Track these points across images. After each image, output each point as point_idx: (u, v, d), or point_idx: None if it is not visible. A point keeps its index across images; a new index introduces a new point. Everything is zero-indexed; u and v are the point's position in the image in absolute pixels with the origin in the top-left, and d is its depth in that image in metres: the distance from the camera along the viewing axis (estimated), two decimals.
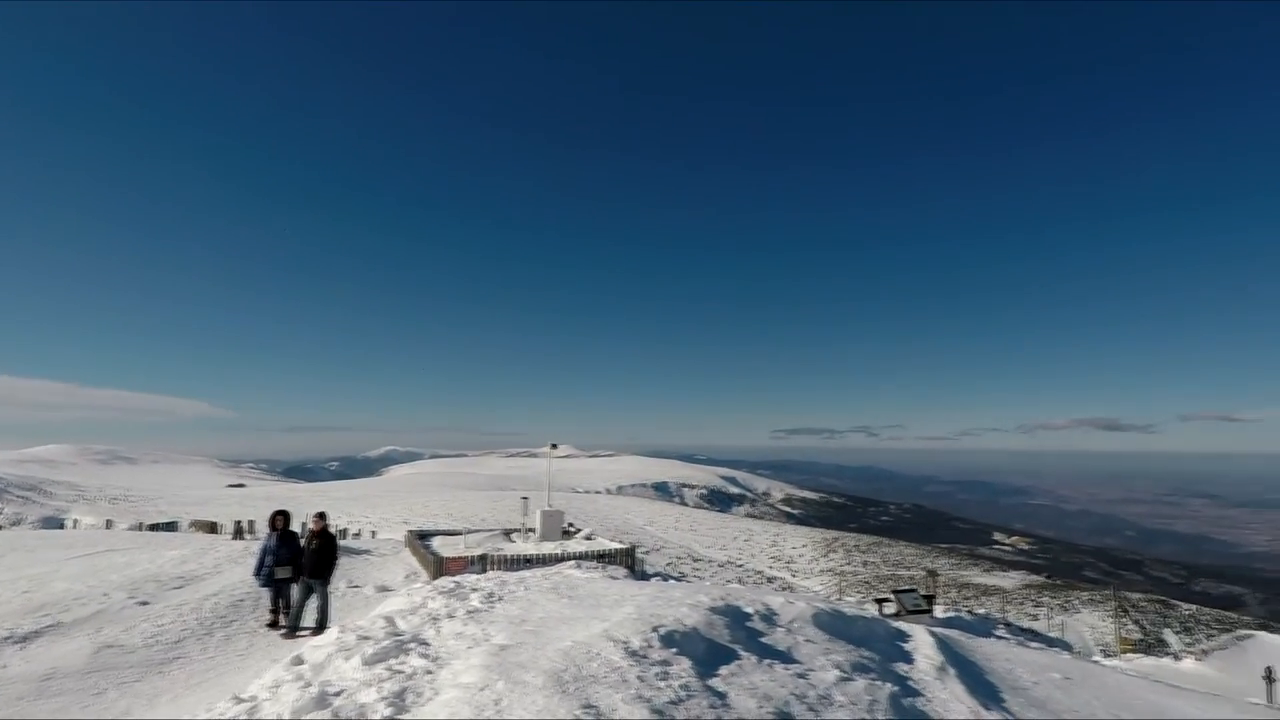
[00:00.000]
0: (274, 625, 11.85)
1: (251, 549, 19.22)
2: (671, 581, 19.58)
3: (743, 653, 7.50)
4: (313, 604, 11.62)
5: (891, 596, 22.88)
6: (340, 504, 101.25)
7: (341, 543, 27.67)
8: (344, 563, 20.86)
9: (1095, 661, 21.28)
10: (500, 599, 10.63)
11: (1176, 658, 29.22)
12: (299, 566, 11.52)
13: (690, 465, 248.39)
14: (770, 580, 76.68)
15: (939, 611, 23.15)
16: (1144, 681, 14.92)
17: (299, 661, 7.03)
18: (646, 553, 79.80)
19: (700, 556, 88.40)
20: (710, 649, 7.40)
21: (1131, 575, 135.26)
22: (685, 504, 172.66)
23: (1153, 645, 39.93)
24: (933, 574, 28.33)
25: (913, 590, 23.93)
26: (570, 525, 27.96)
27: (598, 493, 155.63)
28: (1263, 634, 33.97)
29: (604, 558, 20.50)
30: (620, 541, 24.54)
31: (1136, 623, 62.07)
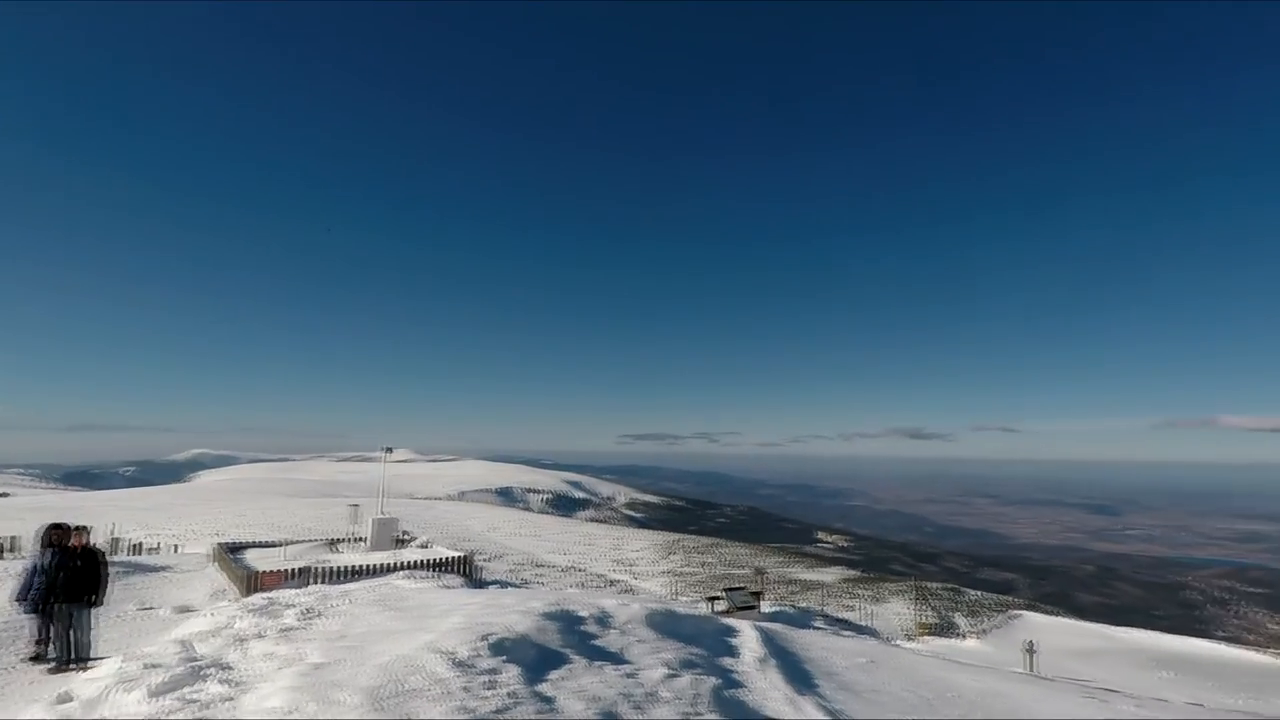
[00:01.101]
0: (38, 659, 10.22)
1: (12, 569, 16.58)
2: (509, 589, 19.27)
3: (574, 656, 7.52)
4: (89, 634, 10.17)
5: (722, 594, 23.98)
6: (137, 514, 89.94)
7: (135, 559, 24.55)
8: (137, 582, 18.54)
9: (897, 645, 23.58)
10: (320, 615, 9.94)
11: (962, 637, 33.07)
12: (74, 588, 10.02)
13: (536, 470, 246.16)
14: (612, 583, 77.67)
15: (765, 607, 24.60)
16: (934, 659, 16.70)
17: (66, 699, 6.13)
18: (487, 560, 77.99)
19: (543, 562, 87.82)
20: (541, 655, 7.35)
21: (930, 567, 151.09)
22: (530, 509, 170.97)
23: (945, 628, 44.92)
24: (761, 572, 30.18)
25: (742, 588, 25.22)
26: (405, 533, 26.72)
27: (437, 499, 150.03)
28: (1029, 613, 39.37)
29: (439, 566, 19.79)
30: (459, 549, 23.83)
31: (934, 608, 69.34)
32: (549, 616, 8.96)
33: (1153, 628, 39.07)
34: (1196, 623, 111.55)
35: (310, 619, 9.49)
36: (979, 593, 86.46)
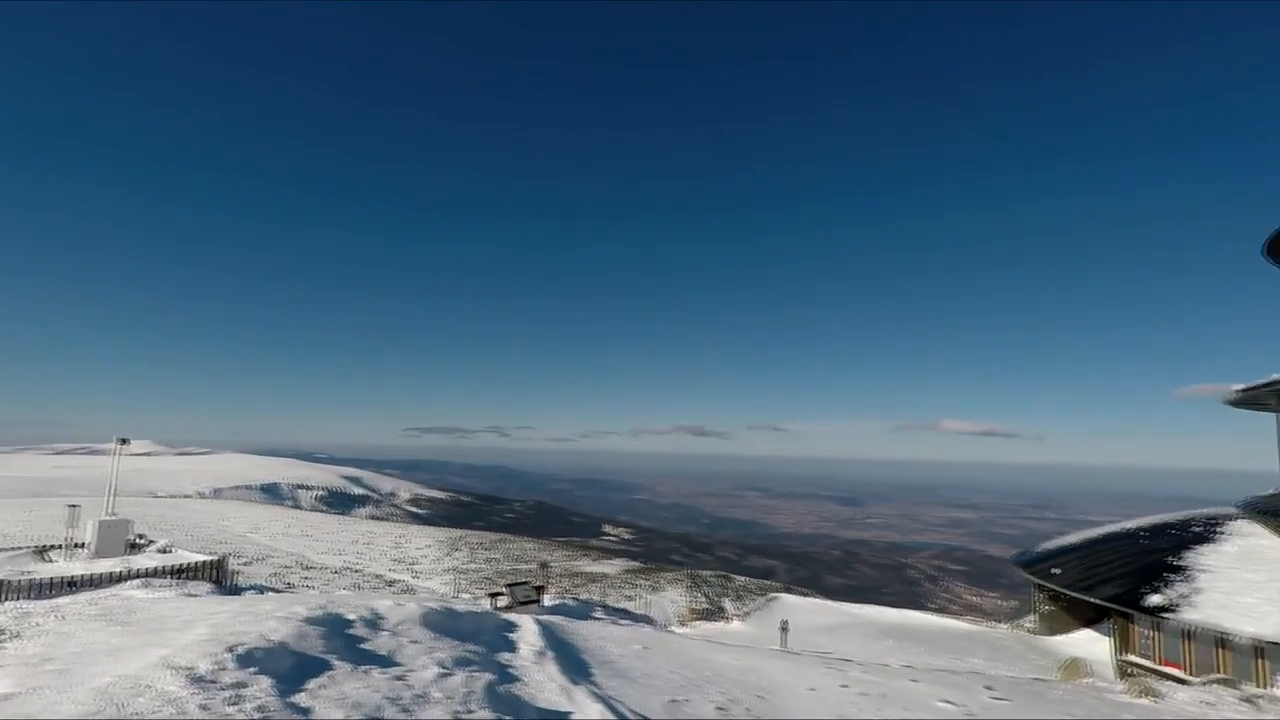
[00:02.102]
0: None
1: None
2: (269, 594, 17.57)
3: (337, 662, 7.04)
4: None
5: (505, 590, 23.80)
6: None
7: None
8: None
9: (670, 631, 25.00)
10: (16, 636, 8.33)
11: (728, 620, 35.84)
12: None
13: (308, 464, 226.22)
14: (390, 584, 73.72)
15: (547, 600, 24.81)
16: (702, 642, 17.94)
17: None
18: (246, 564, 70.43)
19: (313, 564, 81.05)
20: (300, 663, 6.79)
21: (705, 556, 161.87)
22: (300, 507, 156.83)
23: (714, 612, 48.42)
24: (545, 566, 30.44)
25: (525, 583, 25.21)
26: (140, 537, 23.23)
27: (187, 497, 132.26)
28: (785, 595, 43.67)
29: (182, 573, 17.49)
30: (211, 553, 21.21)
31: (705, 595, 74.40)
32: (313, 621, 8.30)
33: (882, 603, 45.19)
34: (915, 597, 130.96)
35: (2, 642, 7.92)
36: (745, 578, 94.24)
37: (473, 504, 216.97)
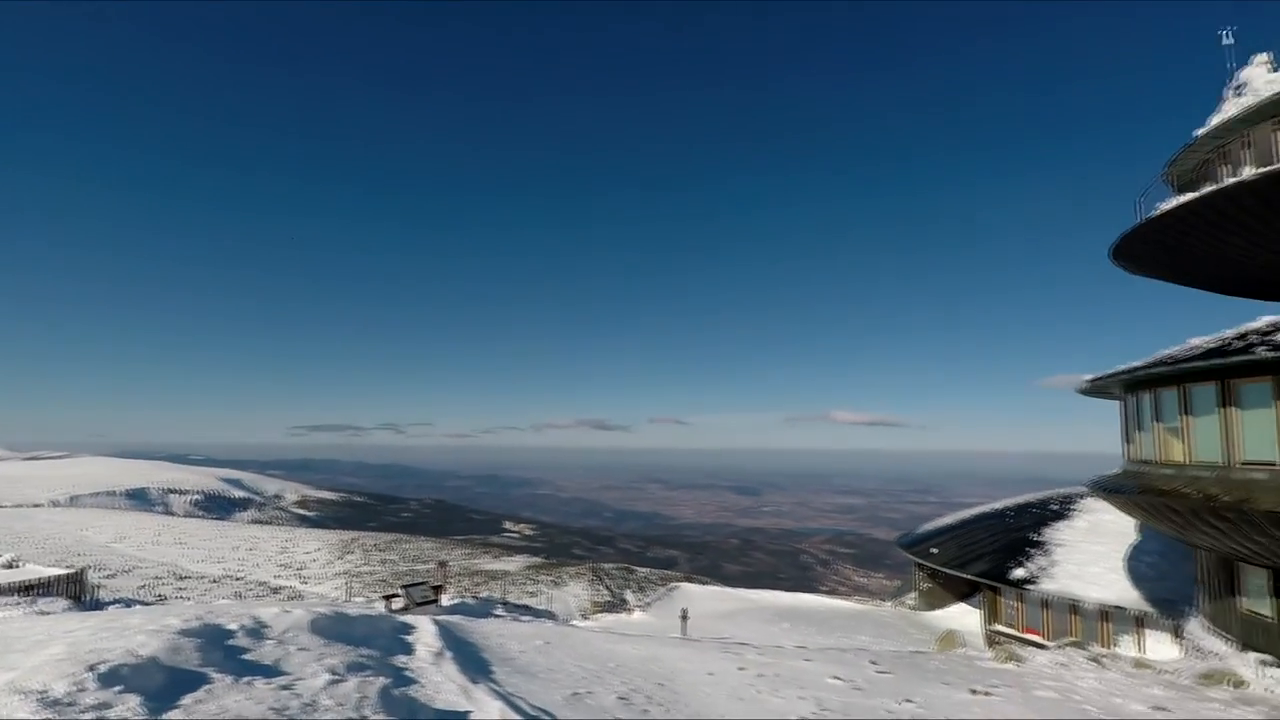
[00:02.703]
0: None
1: None
2: (137, 608, 16.26)
3: (216, 675, 6.60)
4: None
5: (401, 592, 23.06)
6: None
7: None
8: None
9: (572, 625, 24.98)
10: None
11: (630, 611, 36.24)
12: None
13: (181, 467, 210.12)
14: (276, 591, 69.85)
15: (446, 600, 24.23)
16: (605, 634, 18.04)
17: None
18: (110, 576, 64.89)
19: (188, 574, 75.67)
20: (173, 678, 6.32)
21: (607, 549, 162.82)
22: (173, 513, 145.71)
23: (617, 604, 48.84)
24: (444, 565, 29.63)
25: (422, 583, 24.51)
26: None
27: (37, 506, 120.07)
28: (685, 584, 44.58)
29: (32, 589, 15.89)
30: (68, 566, 19.33)
31: (607, 587, 74.90)
32: (188, 633, 7.74)
33: (778, 588, 46.96)
34: (809, 581, 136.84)
35: None
36: (647, 570, 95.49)
37: (366, 504, 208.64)
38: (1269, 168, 15.54)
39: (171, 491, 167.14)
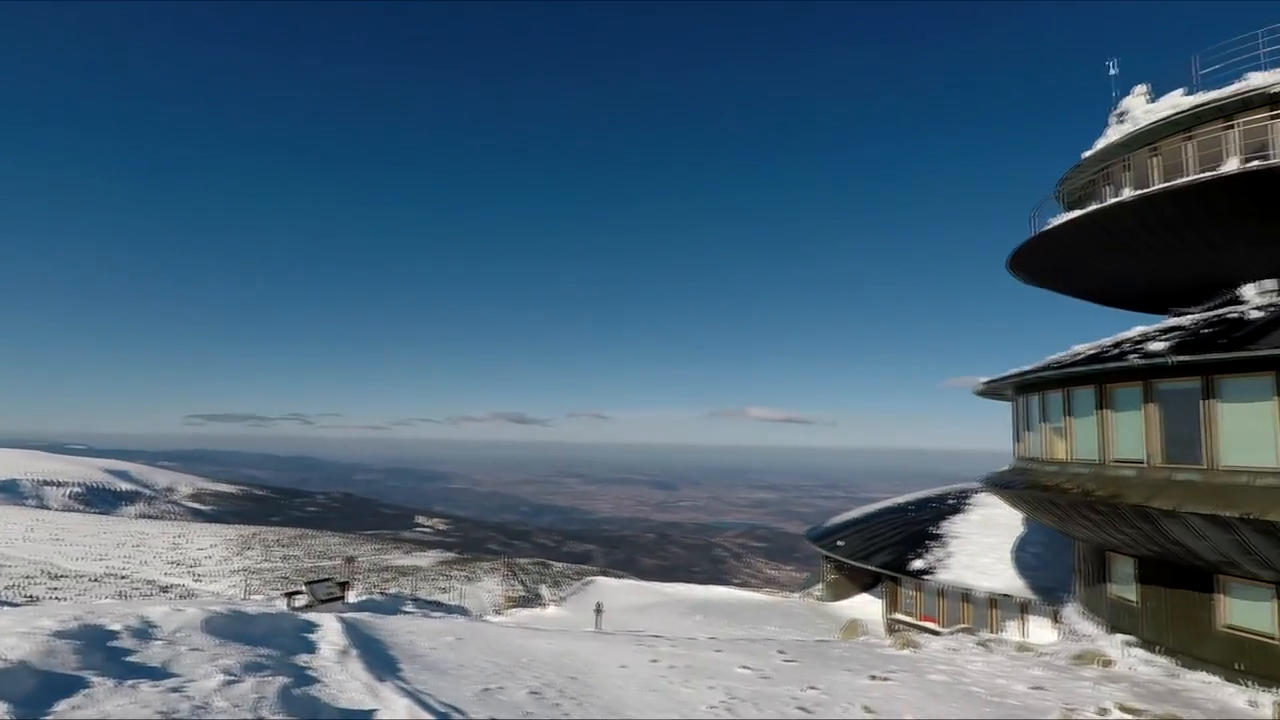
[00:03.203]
0: None
1: None
2: (4, 609, 14.97)
3: (97, 679, 6.18)
4: None
5: (304, 588, 22.17)
6: None
7: None
8: None
9: (485, 620, 24.67)
10: None
11: (545, 606, 36.08)
12: None
13: (59, 457, 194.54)
14: (165, 590, 65.80)
15: (352, 597, 23.45)
16: (518, 630, 17.90)
17: None
18: None
19: (64, 572, 70.30)
20: (47, 682, 5.88)
21: (523, 544, 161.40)
22: (48, 507, 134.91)
23: (531, 599, 48.48)
24: (351, 560, 28.61)
25: (327, 580, 23.64)
26: None
27: None
28: (601, 578, 44.75)
29: None
30: None
31: (522, 583, 74.23)
32: (65, 635, 7.21)
33: (692, 581, 47.75)
34: (722, 573, 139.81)
35: None
36: (563, 564, 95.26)
37: (269, 498, 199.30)
38: (1145, 190, 16.93)
39: (47, 483, 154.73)
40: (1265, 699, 12.06)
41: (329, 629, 12.08)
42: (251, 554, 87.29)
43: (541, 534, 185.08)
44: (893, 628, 25.53)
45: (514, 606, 39.67)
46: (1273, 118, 16.54)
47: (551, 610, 34.17)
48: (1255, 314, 13.92)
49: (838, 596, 31.91)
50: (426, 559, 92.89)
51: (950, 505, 29.12)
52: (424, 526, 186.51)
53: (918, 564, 25.21)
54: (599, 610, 27.63)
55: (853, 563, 29.15)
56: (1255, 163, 16.27)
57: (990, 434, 20.22)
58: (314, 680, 7.98)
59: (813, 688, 11.96)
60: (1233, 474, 12.46)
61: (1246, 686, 12.64)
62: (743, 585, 59.41)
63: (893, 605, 26.91)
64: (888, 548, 27.56)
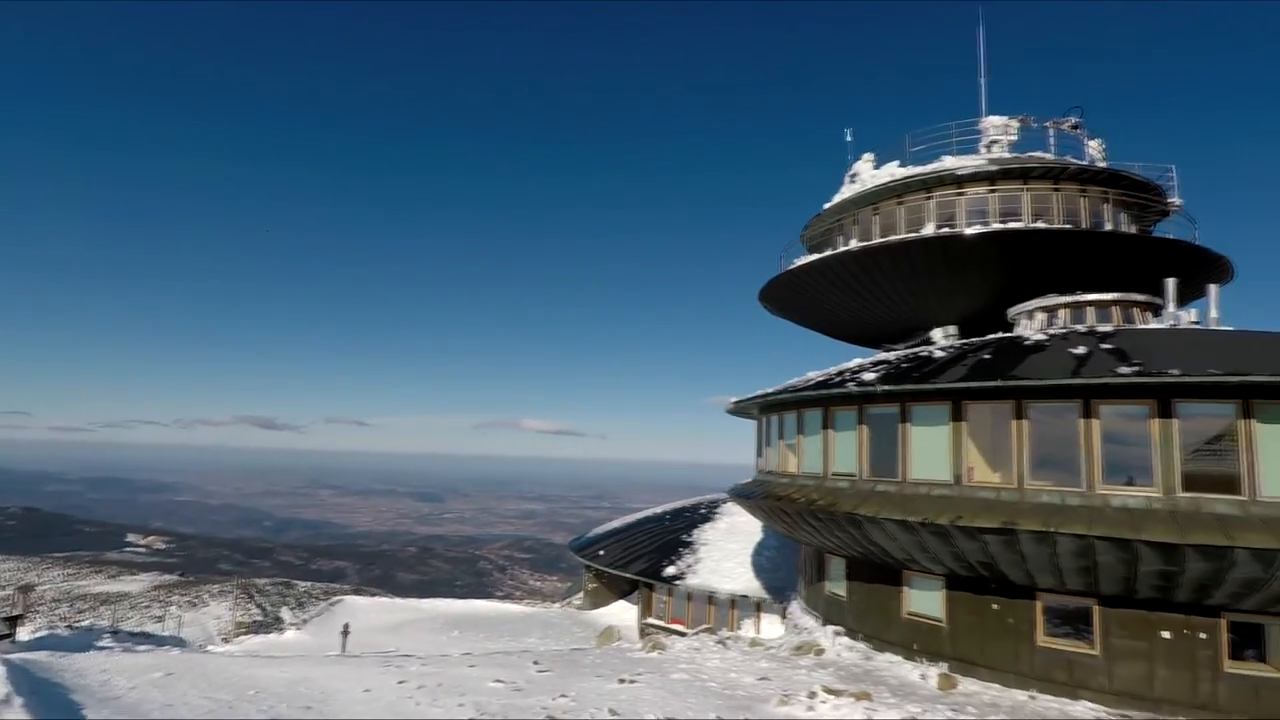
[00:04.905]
0: None
1: None
2: None
3: None
4: None
5: None
6: None
7: None
8: None
9: (207, 651, 21.76)
10: None
11: (283, 631, 32.73)
12: None
13: None
14: None
15: (27, 634, 19.39)
16: (247, 659, 16.05)
17: None
18: None
19: None
20: None
21: (263, 562, 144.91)
22: None
23: (270, 624, 43.56)
24: (28, 590, 23.33)
25: None
26: None
27: None
28: (351, 597, 41.65)
29: None
30: None
31: (260, 606, 66.50)
32: None
33: (452, 595, 46.21)
34: (485, 587, 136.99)
35: None
36: (309, 584, 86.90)
37: None
38: (866, 243, 19.94)
39: None
40: (933, 671, 14.56)
41: None
42: None
43: (286, 551, 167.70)
44: (645, 632, 26.86)
45: (246, 633, 35.46)
46: (959, 194, 20.33)
47: (291, 635, 31.10)
48: (939, 354, 16.89)
49: (597, 605, 32.85)
50: (138, 584, 79.64)
51: (702, 514, 31.43)
52: (137, 546, 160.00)
53: (670, 570, 26.84)
54: (345, 632, 25.68)
55: (612, 571, 30.24)
56: (945, 229, 19.87)
57: (744, 449, 22.27)
58: None
59: (564, 695, 12.19)
60: (917, 485, 14.98)
61: (920, 663, 15.18)
62: (506, 598, 58.87)
63: (647, 610, 28.33)
64: (644, 556, 29.00)
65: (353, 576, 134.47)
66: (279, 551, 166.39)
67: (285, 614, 55.18)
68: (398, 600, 40.20)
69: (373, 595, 46.67)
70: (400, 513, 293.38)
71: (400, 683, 12.79)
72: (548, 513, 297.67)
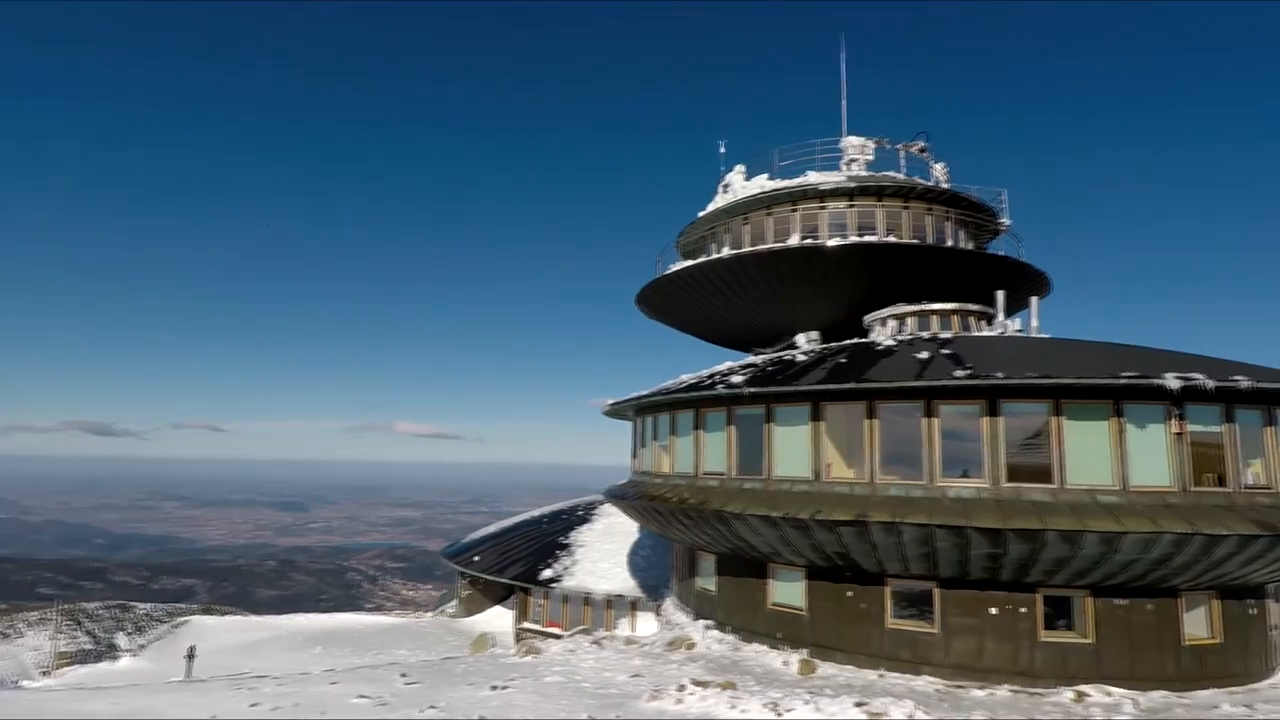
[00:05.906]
0: None
1: None
2: None
3: None
4: None
5: None
6: None
7: None
8: None
9: (20, 687, 19.38)
10: None
11: (117, 659, 29.65)
12: None
13: None
14: None
15: None
16: (69, 693, 14.47)
17: None
18: None
19: None
20: None
21: (94, 584, 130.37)
22: None
23: (102, 652, 39.19)
24: None
25: None
26: None
27: None
28: (199, 618, 38.25)
29: None
30: None
31: (89, 633, 59.83)
32: None
33: (317, 610, 43.58)
34: (354, 599, 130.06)
35: None
36: (150, 605, 78.97)
37: None
38: (736, 251, 20.79)
39: None
40: (794, 658, 15.39)
41: None
42: None
43: (124, 570, 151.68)
44: (520, 637, 26.56)
45: (70, 664, 31.74)
46: (821, 208, 21.61)
47: (126, 663, 28.27)
48: (802, 358, 17.88)
49: (471, 612, 32.11)
50: None
51: (579, 516, 31.49)
52: None
53: (547, 573, 26.70)
54: (191, 655, 23.63)
55: (488, 577, 29.67)
56: (809, 240, 21.05)
57: (624, 451, 22.52)
58: None
59: (433, 707, 11.87)
60: (780, 483, 15.79)
61: (784, 651, 15.99)
62: (376, 609, 56.21)
63: (523, 615, 28.01)
64: (521, 559, 28.68)
65: (203, 595, 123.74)
66: (114, 571, 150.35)
67: (120, 640, 49.89)
68: (253, 618, 37.42)
69: (225, 614, 43.14)
70: (259, 524, 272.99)
71: (253, 705, 11.98)
72: (422, 519, 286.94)
